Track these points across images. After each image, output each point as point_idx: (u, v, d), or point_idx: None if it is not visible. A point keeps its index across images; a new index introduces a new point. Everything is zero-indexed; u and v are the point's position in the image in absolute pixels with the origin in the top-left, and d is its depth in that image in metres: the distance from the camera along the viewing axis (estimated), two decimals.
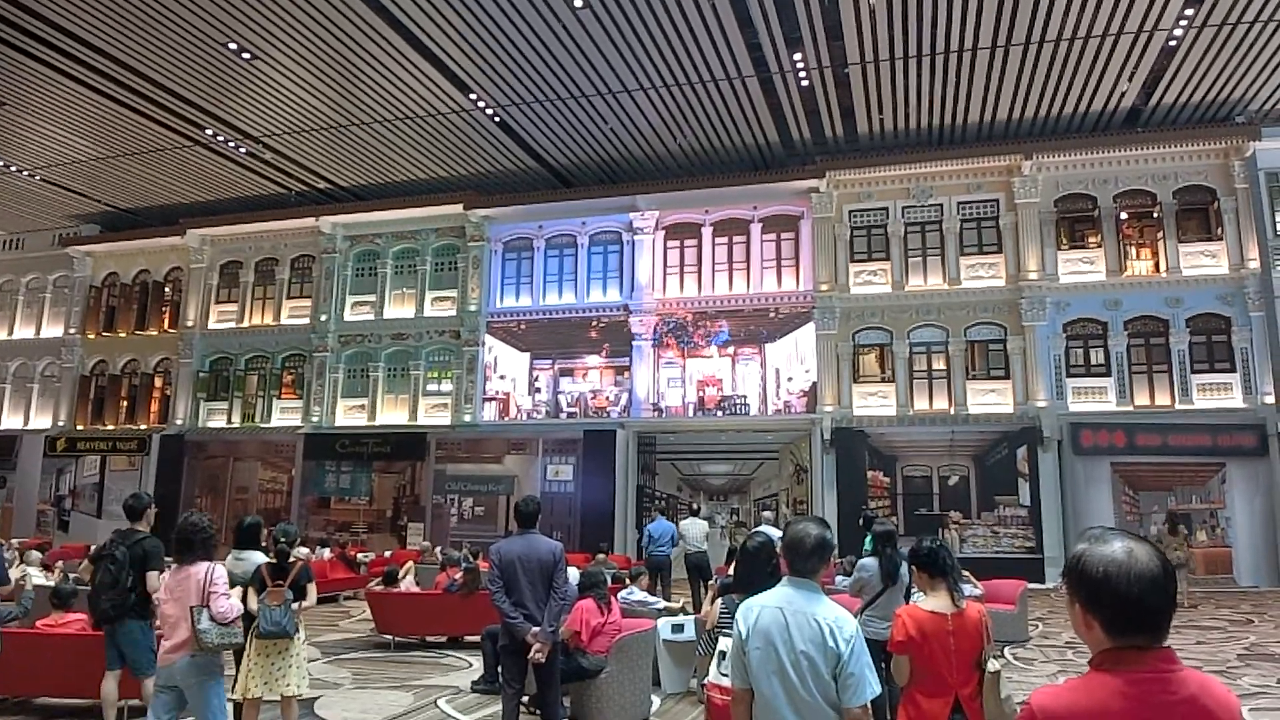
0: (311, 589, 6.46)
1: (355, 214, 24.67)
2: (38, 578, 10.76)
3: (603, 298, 22.59)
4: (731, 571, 6.50)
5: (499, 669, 6.44)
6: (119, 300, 27.48)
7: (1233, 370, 18.66)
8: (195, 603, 5.01)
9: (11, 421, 27.86)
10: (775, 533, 7.78)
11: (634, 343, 21.94)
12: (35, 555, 12.56)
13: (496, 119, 20.00)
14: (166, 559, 6.13)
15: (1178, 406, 18.62)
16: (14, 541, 19.31)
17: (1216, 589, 17.13)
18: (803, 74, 17.68)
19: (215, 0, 15.63)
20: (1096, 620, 1.82)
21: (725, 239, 22.09)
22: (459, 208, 23.39)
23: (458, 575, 11.37)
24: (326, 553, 18.77)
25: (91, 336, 27.30)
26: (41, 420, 27.39)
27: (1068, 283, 19.63)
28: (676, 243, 22.40)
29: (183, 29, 16.60)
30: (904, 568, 6.16)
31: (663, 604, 10.26)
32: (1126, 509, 18.50)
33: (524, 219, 23.40)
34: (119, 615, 6.22)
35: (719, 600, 5.06)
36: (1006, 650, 10.95)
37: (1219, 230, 19.21)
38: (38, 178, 24.19)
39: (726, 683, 3.45)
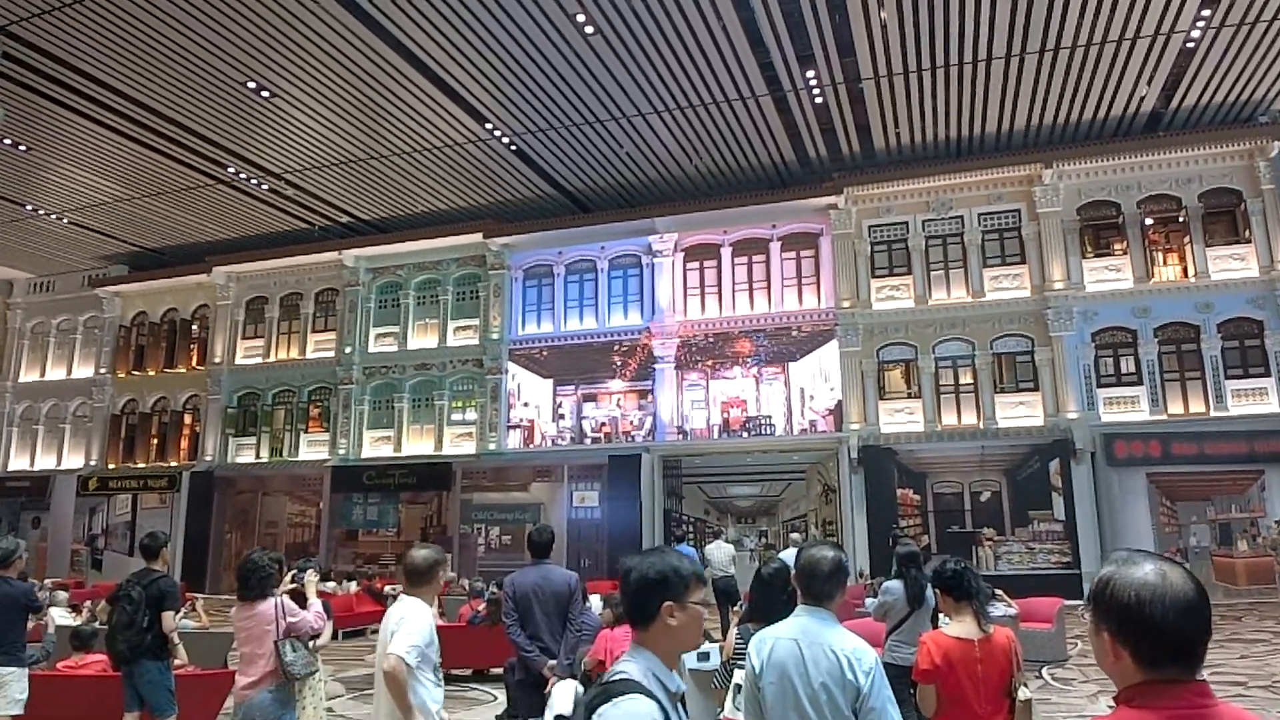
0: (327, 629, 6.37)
1: (377, 246, 24.91)
2: (64, 618, 10.80)
3: (624, 321, 22.55)
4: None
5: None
6: (148, 339, 27.89)
7: (1268, 375, 18.20)
8: (274, 638, 5.21)
9: (45, 462, 28.27)
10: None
11: (656, 366, 21.85)
12: (61, 595, 12.65)
13: (513, 148, 20.13)
14: (201, 595, 6.27)
15: (1213, 414, 18.17)
16: (47, 581, 19.49)
17: (1260, 600, 16.61)
18: (816, 91, 17.63)
19: (234, 41, 15.92)
20: (1126, 650, 1.65)
21: (745, 259, 22.00)
22: (479, 237, 23.53)
23: (481, 607, 11.27)
24: (353, 586, 18.73)
25: (122, 376, 27.69)
26: (74, 460, 27.77)
27: (1094, 291, 19.30)
28: (696, 264, 22.35)
29: (203, 70, 16.91)
30: (930, 590, 5.98)
31: None
32: (1164, 520, 18.03)
33: (543, 245, 23.47)
34: (135, 656, 6.19)
35: (734, 629, 4.91)
36: (1045, 670, 10.64)
37: (1247, 232, 18.83)
38: (66, 220, 24.69)
39: (741, 717, 3.33)
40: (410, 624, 4.05)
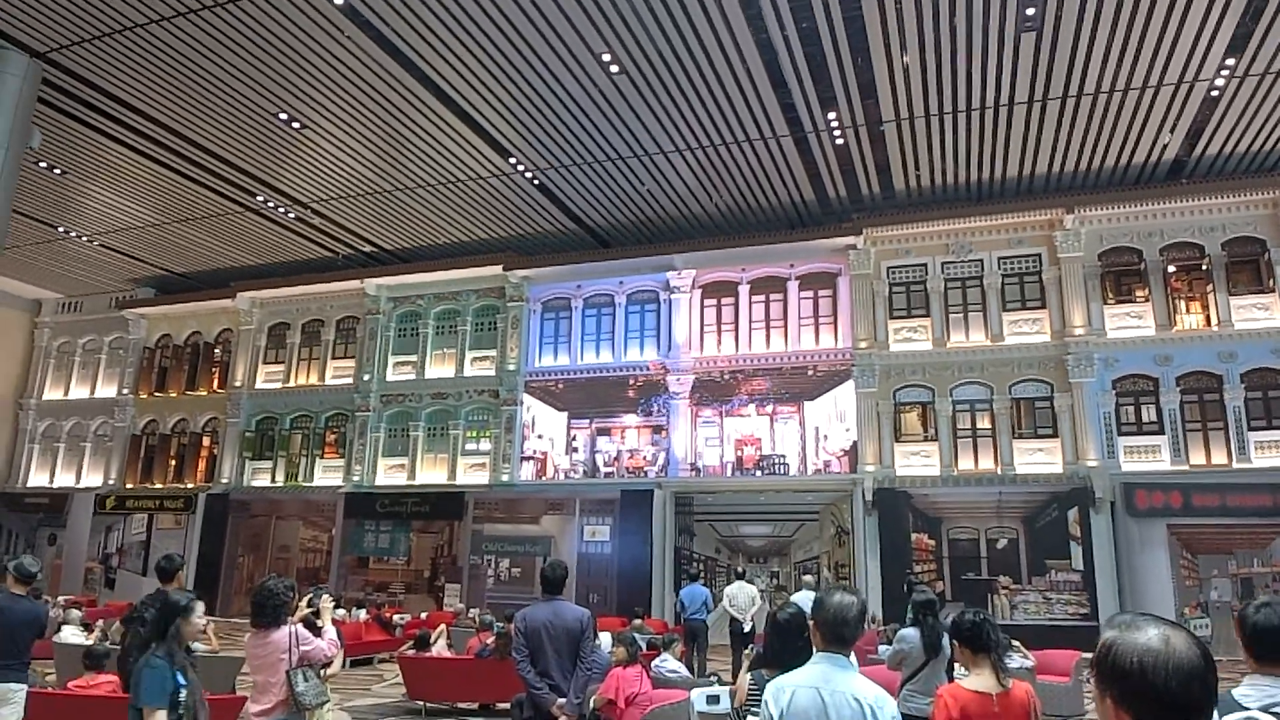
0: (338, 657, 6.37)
1: (398, 276, 25.17)
2: (76, 636, 10.82)
3: (640, 356, 22.58)
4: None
5: None
6: (171, 361, 28.20)
7: None
8: (285, 666, 5.17)
9: (64, 479, 28.51)
10: (809, 598, 7.47)
11: (671, 401, 21.83)
12: (75, 614, 12.70)
13: (536, 182, 20.36)
14: (212, 618, 6.29)
15: (1235, 465, 17.90)
16: (61, 599, 19.56)
17: None
18: (837, 133, 17.77)
19: (266, 73, 16.27)
20: (1129, 717, 1.63)
21: (762, 297, 22.04)
22: (499, 269, 23.73)
23: (490, 640, 11.20)
24: (362, 614, 18.67)
25: (144, 396, 27.97)
26: (93, 478, 27.99)
27: (1115, 338, 19.17)
28: (714, 301, 22.41)
29: (236, 100, 17.28)
30: (947, 639, 5.89)
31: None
32: (1185, 573, 17.71)
33: (562, 279, 23.63)
34: None
35: (748, 675, 4.85)
36: None
37: (1271, 282, 18.67)
38: (97, 243, 25.14)
39: None
40: None
